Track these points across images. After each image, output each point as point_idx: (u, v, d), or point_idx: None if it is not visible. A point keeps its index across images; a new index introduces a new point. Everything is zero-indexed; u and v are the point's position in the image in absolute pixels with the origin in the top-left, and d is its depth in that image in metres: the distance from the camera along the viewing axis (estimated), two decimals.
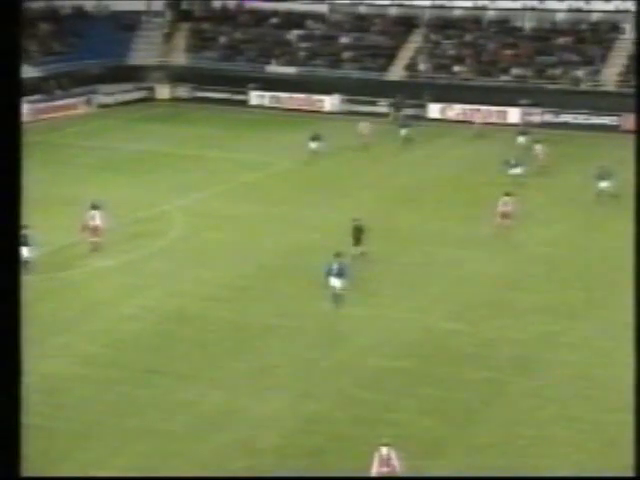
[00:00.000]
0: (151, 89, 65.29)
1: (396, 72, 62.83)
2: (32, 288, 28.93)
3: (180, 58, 67.59)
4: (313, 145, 46.19)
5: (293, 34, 67.01)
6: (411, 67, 62.73)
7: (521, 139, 48.16)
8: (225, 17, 69.42)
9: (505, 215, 34.32)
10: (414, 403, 21.64)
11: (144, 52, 67.52)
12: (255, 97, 63.21)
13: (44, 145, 50.56)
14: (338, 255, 27.60)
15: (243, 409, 21.42)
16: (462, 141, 52.78)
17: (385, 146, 49.72)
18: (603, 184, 38.69)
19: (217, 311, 27.44)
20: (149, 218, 36.81)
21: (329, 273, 27.20)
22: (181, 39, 68.95)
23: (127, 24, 68.26)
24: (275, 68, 64.67)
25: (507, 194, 34.70)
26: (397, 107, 58.50)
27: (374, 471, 17.07)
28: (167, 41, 68.72)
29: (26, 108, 57.22)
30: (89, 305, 27.83)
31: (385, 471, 16.97)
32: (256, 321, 26.69)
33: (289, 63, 64.65)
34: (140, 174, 43.74)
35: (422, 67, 62.41)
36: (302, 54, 65.29)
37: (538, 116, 57.35)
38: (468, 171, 45.05)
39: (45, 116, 57.54)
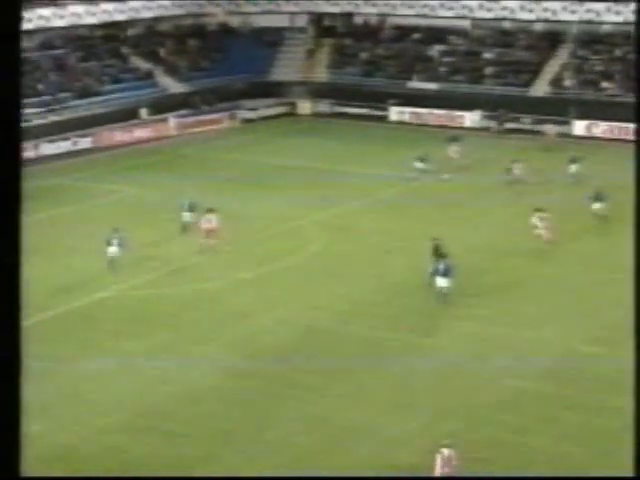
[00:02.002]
0: (293, 104, 66.43)
1: (540, 88, 61.83)
2: (172, 298, 30.00)
3: (321, 74, 68.54)
4: (453, 152, 46.87)
5: (435, 49, 66.90)
6: (556, 83, 61.60)
7: None
8: (367, 33, 69.98)
9: None
10: (553, 428, 21.22)
11: (286, 68, 68.83)
12: (395, 113, 63.39)
13: (189, 158, 52.27)
14: (443, 256, 28.95)
15: (378, 426, 21.51)
16: (610, 159, 51.40)
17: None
18: (596, 206, 37.70)
19: (351, 326, 27.68)
20: (286, 232, 37.48)
21: (435, 273, 28.44)
22: (323, 55, 69.94)
23: (270, 40, 69.77)
24: (416, 84, 64.72)
25: None
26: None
27: (437, 472, 18.17)
28: (309, 57, 69.83)
29: (173, 122, 59.35)
30: (227, 316, 28.57)
31: (447, 471, 18.14)
32: (390, 337, 26.77)
33: (430, 79, 64.58)
34: (279, 188, 44.56)
35: (568, 83, 61.22)
36: (443, 70, 65.10)
37: None
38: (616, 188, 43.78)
39: (191, 130, 59.47)
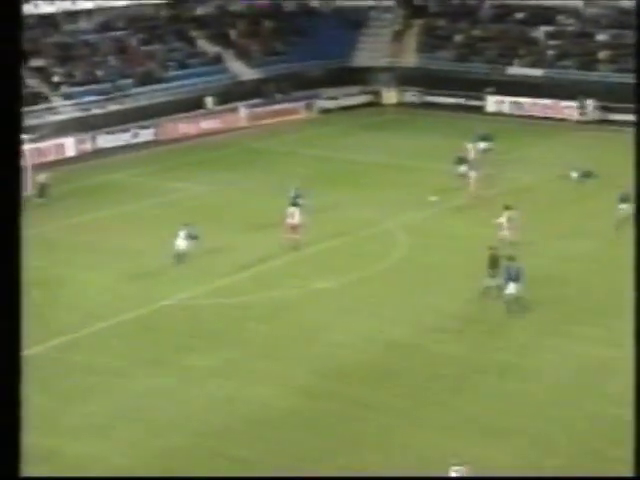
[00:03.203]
0: (377, 93, 66.50)
1: None
2: (241, 308, 30.30)
3: (410, 59, 68.46)
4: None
5: (540, 31, 66.26)
6: None
7: None
8: (463, 12, 69.69)
9: None
10: None
11: (371, 52, 68.95)
12: (493, 103, 62.96)
13: (261, 152, 52.75)
14: (512, 258, 29.46)
15: (473, 457, 21.42)
16: None
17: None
18: (623, 206, 37.47)
19: (442, 344, 27.59)
20: (369, 237, 37.54)
21: (509, 279, 29.13)
22: (412, 37, 69.86)
23: (353, 21, 69.96)
24: (518, 70, 64.16)
25: None
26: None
27: None
28: (397, 40, 69.82)
29: (244, 112, 59.95)
30: (301, 330, 28.75)
31: None
32: (488, 358, 26.60)
33: (534, 64, 63.97)
34: (361, 187, 44.65)
35: None
36: (550, 53, 64.43)
37: None
38: None
39: (264, 121, 60.04)
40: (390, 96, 66.21)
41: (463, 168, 43.94)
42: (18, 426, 5.58)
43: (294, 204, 36.71)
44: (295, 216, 35.64)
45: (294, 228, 35.54)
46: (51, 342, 27.71)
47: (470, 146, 46.94)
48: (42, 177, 42.38)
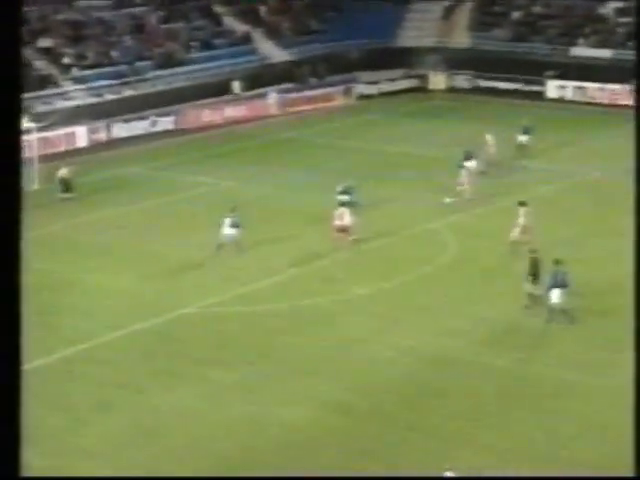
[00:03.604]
0: (423, 77, 66.49)
1: None
2: (270, 317, 30.36)
3: (461, 38, 68.36)
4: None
5: (609, 7, 65.96)
6: None
7: None
8: None
9: None
10: None
11: (417, 31, 68.91)
12: (554, 88, 62.73)
13: (293, 144, 52.87)
14: (558, 262, 29.50)
15: None
16: None
17: None
18: None
19: (495, 358, 27.51)
20: (413, 237, 37.57)
21: (555, 285, 29.08)
22: (464, 14, 69.74)
23: None
24: (583, 50, 63.88)
25: None
26: None
27: None
28: (446, 17, 69.74)
29: (274, 99, 60.08)
30: (338, 342, 28.77)
31: None
32: (545, 374, 26.51)
33: (602, 44, 63.66)
34: (404, 183, 44.65)
35: None
36: (620, 32, 64.09)
37: None
38: None
39: (296, 109, 60.21)
40: (438, 80, 66.16)
41: (472, 163, 43.37)
42: (18, 427, 5.97)
43: (342, 203, 36.88)
44: (344, 217, 35.88)
45: (344, 230, 35.81)
46: (61, 352, 27.95)
47: (489, 137, 46.63)
48: (64, 171, 42.89)
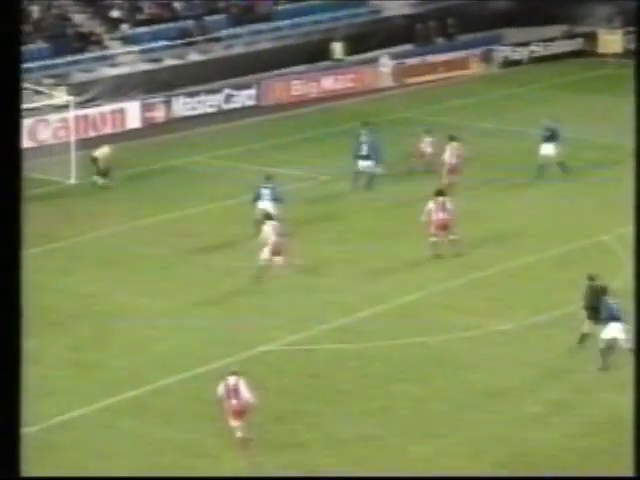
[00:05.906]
0: (591, 37, 65.82)
1: None
2: (373, 359, 30.22)
3: None
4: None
5: None
6: None
7: None
8: None
9: None
10: None
11: None
12: None
13: (413, 125, 52.62)
14: (604, 291, 30.27)
15: None
16: None
17: None
18: None
19: None
20: (573, 252, 37.42)
21: (611, 318, 29.48)
22: None
23: None
24: None
25: None
26: None
27: (225, 406, 25.09)
28: None
29: (389, 66, 59.83)
30: (469, 394, 28.53)
31: (234, 404, 25.22)
32: None
33: None
34: (564, 181, 44.34)
35: None
36: None
37: None
38: None
39: (416, 79, 60.04)
40: (611, 41, 65.43)
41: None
42: (18, 427, 7.11)
43: (438, 193, 37.12)
44: (446, 207, 36.29)
45: (444, 225, 36.31)
46: (100, 402, 28.10)
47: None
48: (104, 150, 43.33)
